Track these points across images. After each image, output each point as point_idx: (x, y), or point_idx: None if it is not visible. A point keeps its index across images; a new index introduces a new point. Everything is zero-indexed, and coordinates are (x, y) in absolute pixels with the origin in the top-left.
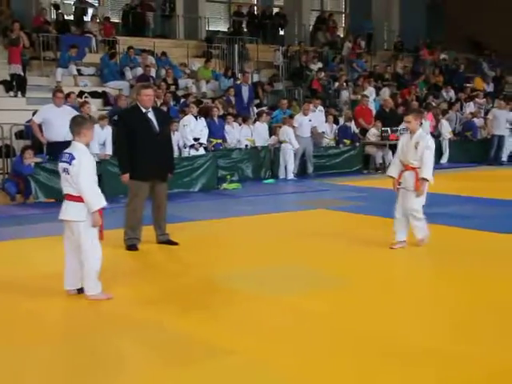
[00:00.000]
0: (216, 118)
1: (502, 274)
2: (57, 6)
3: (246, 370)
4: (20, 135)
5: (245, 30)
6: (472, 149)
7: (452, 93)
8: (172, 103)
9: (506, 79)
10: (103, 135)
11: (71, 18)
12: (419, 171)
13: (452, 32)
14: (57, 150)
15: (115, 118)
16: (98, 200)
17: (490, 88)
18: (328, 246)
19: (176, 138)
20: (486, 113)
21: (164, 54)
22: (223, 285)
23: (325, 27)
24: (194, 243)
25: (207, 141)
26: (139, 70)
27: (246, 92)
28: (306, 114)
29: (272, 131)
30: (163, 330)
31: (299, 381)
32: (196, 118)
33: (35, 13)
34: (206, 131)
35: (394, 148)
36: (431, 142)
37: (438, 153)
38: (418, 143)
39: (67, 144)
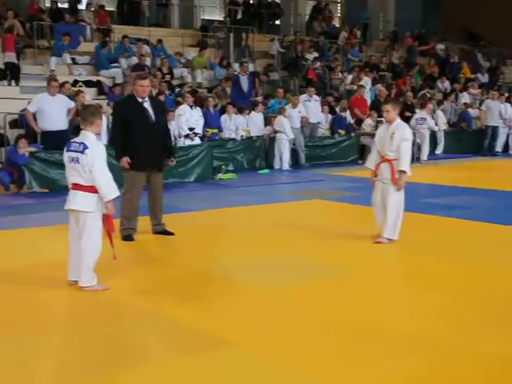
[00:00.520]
0: (211, 108)
1: (498, 264)
2: None
3: (245, 360)
4: (14, 124)
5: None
6: (467, 139)
7: (447, 83)
8: (167, 92)
9: (501, 70)
10: None
11: (65, 6)
12: (395, 163)
13: (448, 23)
14: (51, 139)
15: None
16: (113, 189)
17: (484, 79)
18: (324, 236)
19: (171, 128)
20: (481, 103)
21: (160, 41)
22: (220, 275)
23: (321, 17)
24: (189, 233)
25: (203, 131)
26: (134, 59)
27: (245, 82)
28: (295, 106)
29: (267, 121)
30: (162, 320)
31: (297, 369)
32: (191, 108)
33: (29, 1)
34: (201, 121)
35: None
36: (408, 133)
37: (433, 143)
38: (394, 134)
39: (61, 133)
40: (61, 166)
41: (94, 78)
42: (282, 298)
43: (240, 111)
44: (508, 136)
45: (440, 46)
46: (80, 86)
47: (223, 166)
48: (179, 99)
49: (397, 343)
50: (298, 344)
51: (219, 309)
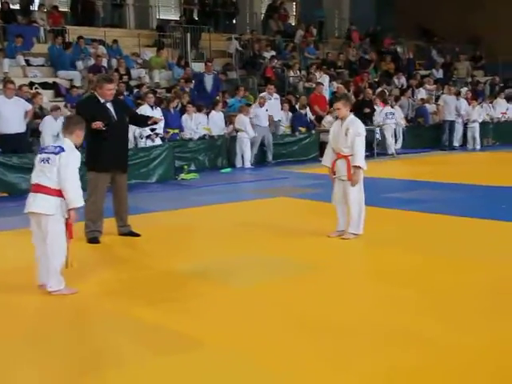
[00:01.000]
0: (172, 109)
1: (463, 256)
2: None
3: (219, 361)
4: None
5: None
6: (425, 134)
7: (403, 79)
8: (125, 93)
9: (454, 65)
10: (56, 126)
11: (17, 7)
12: (350, 159)
13: (402, 20)
14: (8, 142)
15: None
16: (79, 197)
17: (439, 74)
18: (290, 233)
19: (132, 128)
20: (437, 99)
21: (115, 41)
22: (188, 275)
23: (276, 15)
24: (155, 234)
25: (164, 131)
26: (90, 61)
27: (209, 81)
28: (262, 105)
29: (228, 120)
30: (132, 322)
31: (270, 369)
32: (152, 108)
33: None
34: (162, 121)
35: None
36: (362, 129)
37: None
38: (348, 129)
39: (19, 136)
40: (20, 169)
41: (50, 80)
42: (252, 297)
43: (199, 109)
44: (465, 130)
45: (399, 49)
46: (36, 88)
47: (185, 166)
48: (139, 101)
49: (374, 338)
50: (271, 342)
51: (189, 309)
